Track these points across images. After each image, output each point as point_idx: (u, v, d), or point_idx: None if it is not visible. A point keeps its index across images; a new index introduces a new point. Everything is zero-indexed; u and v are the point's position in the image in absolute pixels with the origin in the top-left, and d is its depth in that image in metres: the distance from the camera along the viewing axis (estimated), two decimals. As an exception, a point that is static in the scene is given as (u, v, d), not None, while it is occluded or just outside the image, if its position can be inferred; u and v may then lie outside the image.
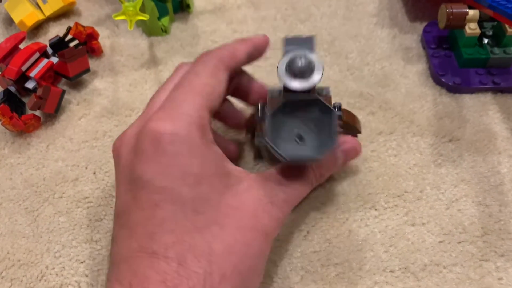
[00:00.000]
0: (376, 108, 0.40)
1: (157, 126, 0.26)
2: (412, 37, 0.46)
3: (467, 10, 0.39)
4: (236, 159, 0.37)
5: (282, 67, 0.27)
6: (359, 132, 0.35)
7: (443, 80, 0.41)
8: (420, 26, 0.46)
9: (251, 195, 0.28)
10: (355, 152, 0.33)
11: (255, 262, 0.27)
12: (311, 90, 0.27)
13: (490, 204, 0.34)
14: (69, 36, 0.44)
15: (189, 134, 0.26)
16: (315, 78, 0.26)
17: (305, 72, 0.26)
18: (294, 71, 0.26)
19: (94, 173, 0.38)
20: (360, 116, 0.40)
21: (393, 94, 0.41)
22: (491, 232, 0.33)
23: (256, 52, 0.33)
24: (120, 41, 0.47)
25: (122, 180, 0.28)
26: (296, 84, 0.26)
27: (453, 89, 0.41)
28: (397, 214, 0.34)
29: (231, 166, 0.28)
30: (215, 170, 0.27)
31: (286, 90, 0.27)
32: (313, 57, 0.27)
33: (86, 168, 0.38)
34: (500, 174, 0.36)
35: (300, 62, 0.26)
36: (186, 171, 0.26)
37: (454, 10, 0.39)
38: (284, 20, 0.48)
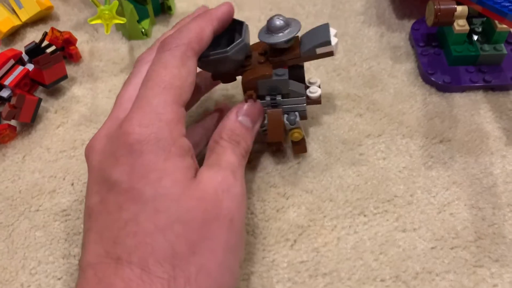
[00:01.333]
0: (363, 110, 0.39)
1: (127, 127, 0.26)
2: (400, 35, 0.44)
3: (455, 6, 0.38)
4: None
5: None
6: None
7: (432, 79, 0.39)
8: (408, 24, 0.45)
9: (211, 181, 0.27)
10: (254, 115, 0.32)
11: (225, 257, 0.26)
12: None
13: (483, 207, 0.33)
14: (46, 42, 0.42)
15: (157, 132, 0.26)
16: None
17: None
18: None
19: (72, 184, 0.36)
20: (348, 118, 0.39)
21: (381, 95, 0.40)
22: (484, 237, 0.32)
23: (221, 27, 0.31)
24: (100, 45, 0.46)
25: (92, 182, 0.27)
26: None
27: (443, 88, 0.39)
28: (387, 220, 0.33)
29: (192, 159, 0.27)
30: (179, 164, 0.26)
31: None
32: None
33: (64, 179, 0.36)
34: (492, 175, 0.35)
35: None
36: (150, 169, 0.25)
37: (442, 7, 0.38)
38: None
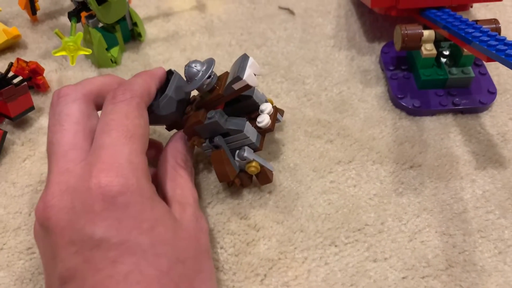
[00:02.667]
0: (334, 136, 0.39)
1: (101, 179, 0.24)
2: (370, 58, 0.44)
3: (422, 31, 0.38)
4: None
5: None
6: None
7: (402, 103, 0.39)
8: (378, 47, 0.45)
9: (186, 221, 0.28)
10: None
11: (211, 283, 0.28)
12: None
13: (453, 233, 0.33)
14: (11, 73, 0.41)
15: (137, 182, 0.25)
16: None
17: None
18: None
19: (30, 214, 0.35)
20: (318, 145, 0.38)
21: (351, 120, 0.40)
22: (455, 265, 0.31)
23: (160, 85, 0.32)
24: (68, 74, 0.45)
25: (62, 244, 0.25)
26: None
27: (413, 112, 0.39)
28: (358, 250, 0.32)
29: (164, 202, 0.28)
30: (163, 210, 0.27)
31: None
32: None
33: (30, 215, 0.35)
34: (463, 200, 0.35)
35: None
36: (140, 219, 0.25)
37: (409, 31, 0.38)
38: (240, 46, 0.46)
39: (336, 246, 0.33)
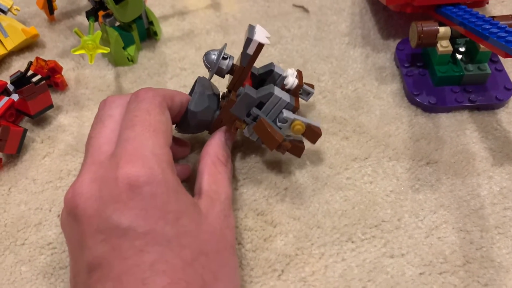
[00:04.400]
0: (350, 133, 0.39)
1: (128, 170, 0.25)
2: (385, 55, 0.44)
3: (438, 27, 0.38)
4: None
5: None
6: None
7: (418, 99, 0.39)
8: (393, 44, 0.45)
9: (213, 216, 0.29)
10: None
11: (238, 279, 0.29)
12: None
13: (471, 230, 0.33)
14: (31, 72, 0.42)
15: (162, 173, 0.26)
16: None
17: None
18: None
19: (59, 216, 0.36)
20: (334, 141, 0.38)
21: (367, 117, 0.40)
22: (473, 261, 0.31)
23: (182, 109, 0.33)
24: (86, 72, 0.45)
25: (89, 232, 0.25)
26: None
27: (429, 109, 0.39)
28: (375, 246, 0.33)
29: (191, 196, 0.29)
30: (188, 203, 0.27)
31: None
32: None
33: (50, 210, 0.36)
34: (480, 197, 0.34)
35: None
36: (166, 210, 0.26)
37: (425, 28, 0.38)
38: (255, 44, 0.47)
39: (353, 242, 0.33)
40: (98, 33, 0.38)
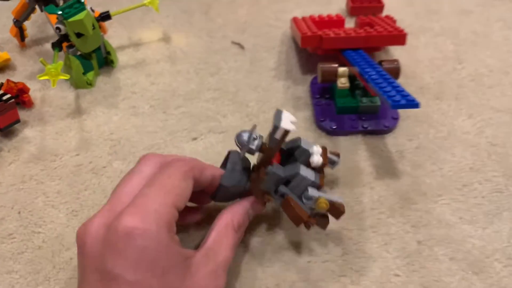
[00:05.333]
0: (266, 150, 0.48)
1: (128, 221, 0.28)
2: (302, 88, 0.54)
3: (337, 67, 0.48)
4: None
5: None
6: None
7: (323, 125, 0.49)
8: (310, 78, 0.55)
9: (201, 274, 0.31)
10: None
11: None
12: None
13: (351, 229, 0.42)
14: (1, 91, 0.50)
15: (157, 229, 0.29)
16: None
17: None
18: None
19: (19, 212, 0.43)
20: (253, 156, 0.47)
21: (281, 138, 0.49)
22: (349, 252, 0.40)
23: (214, 182, 0.36)
24: (50, 93, 0.53)
25: (89, 269, 0.29)
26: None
27: (331, 133, 0.49)
28: (275, 240, 0.41)
29: (185, 251, 0.31)
30: (177, 259, 0.30)
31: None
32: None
33: (12, 208, 0.43)
34: (362, 203, 0.43)
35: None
36: (155, 264, 0.29)
37: (327, 68, 0.48)
38: (197, 73, 0.56)
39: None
40: (60, 63, 0.46)
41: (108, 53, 0.55)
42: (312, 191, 0.36)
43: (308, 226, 0.37)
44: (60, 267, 0.39)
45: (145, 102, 0.53)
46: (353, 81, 0.49)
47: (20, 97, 0.51)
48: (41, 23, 0.64)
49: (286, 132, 0.35)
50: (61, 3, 0.54)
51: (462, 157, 0.46)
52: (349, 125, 0.49)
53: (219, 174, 0.36)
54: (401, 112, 0.50)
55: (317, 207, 0.36)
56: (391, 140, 0.48)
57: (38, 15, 0.60)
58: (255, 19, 0.64)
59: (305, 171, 0.36)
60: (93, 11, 0.52)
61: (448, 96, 0.52)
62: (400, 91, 0.39)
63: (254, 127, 0.37)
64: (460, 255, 0.39)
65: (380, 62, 0.48)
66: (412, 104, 0.37)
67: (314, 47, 0.52)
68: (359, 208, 0.43)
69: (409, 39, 0.59)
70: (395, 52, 0.58)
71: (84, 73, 0.53)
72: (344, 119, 0.49)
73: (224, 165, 0.39)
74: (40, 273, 0.39)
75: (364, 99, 0.49)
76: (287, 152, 0.39)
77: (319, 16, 0.58)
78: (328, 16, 0.58)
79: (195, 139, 0.49)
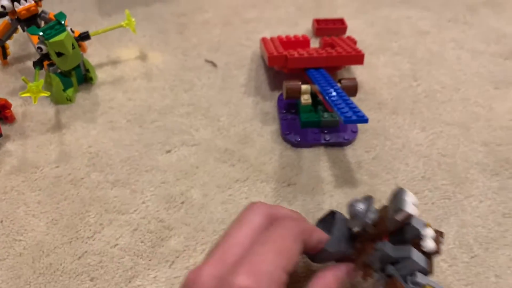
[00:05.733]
0: (236, 161, 0.51)
1: (242, 281, 0.29)
2: (270, 103, 0.58)
3: (300, 85, 0.52)
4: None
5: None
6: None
7: (288, 138, 0.53)
8: (277, 95, 0.59)
9: None
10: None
11: None
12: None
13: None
14: (-15, 107, 0.53)
15: None
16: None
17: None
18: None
19: (1, 221, 0.46)
20: (223, 167, 0.51)
21: (250, 150, 0.52)
22: (310, 254, 0.44)
23: (318, 245, 0.36)
24: (31, 109, 0.56)
25: None
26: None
27: (295, 145, 0.53)
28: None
29: None
30: None
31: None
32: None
33: (1, 222, 0.46)
34: (322, 210, 0.47)
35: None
36: None
37: (290, 86, 0.52)
38: (171, 90, 0.59)
39: (226, 241, 0.45)
40: (41, 81, 0.49)
41: (87, 70, 0.58)
42: (421, 278, 0.34)
43: None
44: (40, 272, 0.42)
45: (122, 117, 0.56)
46: (316, 97, 0.54)
47: (2, 112, 0.54)
48: (23, 41, 0.67)
49: (409, 216, 0.34)
50: (42, 24, 0.58)
51: (415, 167, 0.51)
52: (312, 138, 0.53)
53: (325, 239, 0.36)
54: (360, 126, 0.55)
55: None
56: (351, 152, 0.53)
57: (20, 34, 0.63)
58: (228, 39, 0.68)
59: (416, 256, 0.34)
60: (73, 31, 0.55)
61: (404, 111, 0.57)
62: (352, 108, 0.43)
63: (372, 199, 0.36)
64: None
65: (339, 80, 0.52)
66: (362, 119, 0.41)
67: (280, 66, 0.56)
68: (319, 214, 0.47)
69: (370, 58, 0.64)
70: (357, 70, 0.63)
71: (64, 90, 0.56)
72: (307, 132, 0.53)
73: (322, 222, 0.39)
74: (21, 278, 0.41)
75: (326, 114, 0.53)
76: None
77: (286, 37, 0.63)
78: (295, 36, 0.62)
79: (169, 151, 0.52)
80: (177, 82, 0.61)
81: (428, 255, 0.35)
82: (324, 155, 0.52)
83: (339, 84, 0.52)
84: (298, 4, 0.77)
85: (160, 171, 0.50)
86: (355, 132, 0.53)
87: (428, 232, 0.35)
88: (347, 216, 0.37)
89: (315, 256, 0.37)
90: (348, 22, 0.69)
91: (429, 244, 0.34)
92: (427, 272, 0.35)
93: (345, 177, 0.50)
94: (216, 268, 0.31)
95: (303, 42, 0.62)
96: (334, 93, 0.47)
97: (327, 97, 0.46)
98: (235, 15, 0.73)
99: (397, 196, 0.35)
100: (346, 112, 0.42)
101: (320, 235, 0.36)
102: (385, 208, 0.36)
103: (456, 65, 0.63)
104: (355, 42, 0.62)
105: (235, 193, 0.49)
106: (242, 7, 0.75)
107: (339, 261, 0.37)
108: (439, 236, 0.35)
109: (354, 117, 0.41)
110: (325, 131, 0.53)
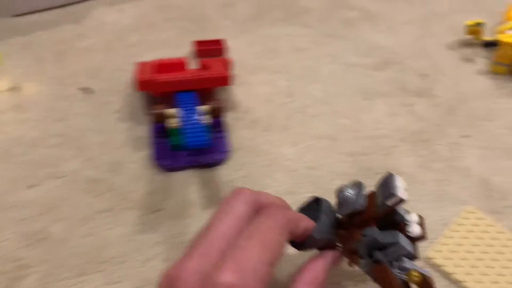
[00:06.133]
0: (103, 191, 0.50)
1: (227, 278, 0.27)
2: (144, 128, 0.57)
3: (164, 110, 0.52)
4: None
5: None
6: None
7: (159, 162, 0.52)
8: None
9: None
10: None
11: None
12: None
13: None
14: None
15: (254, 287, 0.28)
16: None
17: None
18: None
19: None
20: (88, 199, 0.50)
21: (119, 178, 0.52)
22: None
23: (305, 233, 0.35)
24: None
25: None
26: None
27: (167, 169, 0.52)
28: (102, 277, 0.43)
29: None
30: None
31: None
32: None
33: None
34: (189, 233, 0.47)
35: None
36: None
37: (155, 111, 0.51)
38: (42, 121, 0.58)
39: (87, 274, 0.43)
40: None
41: None
42: (408, 263, 0.35)
43: None
44: None
45: (-13, 152, 0.54)
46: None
47: None
48: None
49: (400, 201, 0.33)
50: None
51: (282, 182, 0.52)
52: (183, 161, 0.53)
53: (311, 227, 0.35)
54: (235, 144, 0.55)
55: (409, 278, 0.34)
56: (223, 171, 0.53)
57: None
58: (108, 64, 0.67)
59: (403, 241, 0.35)
60: None
61: (277, 127, 0.58)
62: (198, 132, 0.43)
63: (361, 185, 0.36)
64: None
65: (207, 102, 0.53)
66: (205, 143, 0.41)
67: (151, 90, 0.55)
68: (186, 238, 0.47)
69: (248, 77, 0.65)
70: (236, 89, 0.64)
71: None
72: (178, 155, 0.53)
73: (305, 209, 0.38)
74: None
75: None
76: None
77: (161, 60, 0.62)
78: (170, 59, 0.62)
79: (33, 186, 0.50)
80: (49, 112, 0.59)
81: (413, 240, 0.35)
82: (195, 177, 0.52)
83: (204, 107, 0.52)
84: (181, 27, 0.77)
85: (23, 207, 0.48)
86: (226, 151, 0.54)
87: (413, 217, 0.36)
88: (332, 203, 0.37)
89: (300, 244, 0.36)
90: (230, 42, 0.70)
91: (415, 229, 0.35)
92: (413, 257, 0.35)
93: (214, 198, 0.50)
94: (200, 263, 0.29)
95: (178, 65, 0.62)
96: (187, 117, 0.47)
97: (180, 121, 0.46)
98: (118, 39, 0.73)
99: (387, 181, 0.34)
100: (191, 137, 0.42)
101: (307, 223, 0.35)
102: (372, 194, 0.36)
103: (329, 79, 0.66)
104: (227, 63, 0.62)
105: (99, 224, 0.47)
106: (125, 31, 0.75)
107: (323, 249, 0.37)
108: (423, 221, 0.36)
109: (197, 142, 0.41)
110: (197, 153, 0.53)
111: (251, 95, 0.63)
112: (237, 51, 0.70)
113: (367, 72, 0.67)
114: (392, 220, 0.36)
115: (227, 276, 0.27)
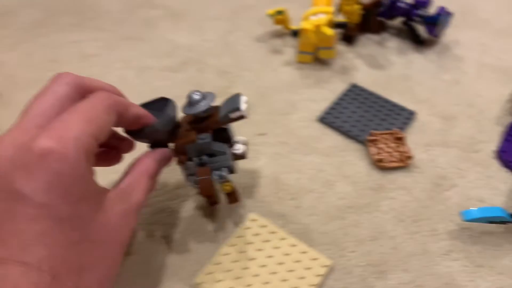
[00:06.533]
0: None
1: (45, 143, 0.26)
2: None
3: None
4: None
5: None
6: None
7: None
8: None
9: (115, 211, 0.31)
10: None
11: (114, 272, 0.31)
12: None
13: None
14: None
15: (75, 156, 0.27)
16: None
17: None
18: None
19: None
20: None
21: None
22: None
23: (137, 120, 0.35)
24: None
25: None
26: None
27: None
28: None
29: (100, 186, 0.30)
30: (92, 191, 0.29)
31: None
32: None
33: None
34: None
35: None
36: (68, 191, 0.27)
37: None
38: None
39: None
40: None
41: None
42: (226, 173, 0.38)
43: (212, 202, 0.42)
44: None
45: None
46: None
47: None
48: None
49: (242, 117, 0.37)
50: None
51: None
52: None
53: (143, 114, 0.35)
54: None
55: (222, 187, 0.38)
56: None
57: None
58: None
59: (230, 154, 0.39)
60: None
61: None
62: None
63: (212, 94, 0.37)
64: None
65: None
66: None
67: None
68: None
69: (17, 95, 0.55)
70: None
71: None
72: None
73: (148, 105, 0.38)
74: None
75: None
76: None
77: None
78: None
79: None
80: None
81: (236, 158, 0.41)
82: None
83: None
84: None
85: None
86: None
87: (241, 139, 0.41)
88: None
89: (136, 132, 0.36)
90: (2, 56, 0.59)
91: (241, 148, 0.40)
92: (232, 170, 0.38)
93: None
94: (14, 137, 0.28)
95: None
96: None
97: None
98: None
99: (234, 98, 0.37)
100: None
101: (138, 111, 0.34)
102: (217, 107, 0.38)
103: (119, 86, 0.58)
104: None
105: None
106: None
107: (155, 146, 0.38)
108: (247, 143, 0.42)
109: None
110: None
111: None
112: (9, 65, 0.59)
113: (163, 74, 0.60)
114: (224, 136, 0.40)
115: (44, 141, 0.27)
